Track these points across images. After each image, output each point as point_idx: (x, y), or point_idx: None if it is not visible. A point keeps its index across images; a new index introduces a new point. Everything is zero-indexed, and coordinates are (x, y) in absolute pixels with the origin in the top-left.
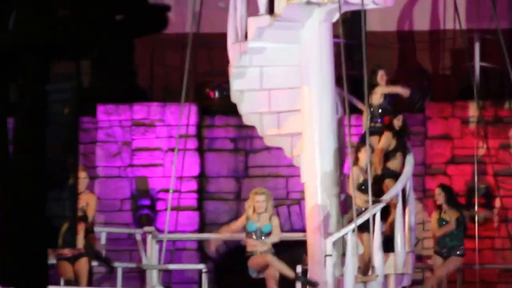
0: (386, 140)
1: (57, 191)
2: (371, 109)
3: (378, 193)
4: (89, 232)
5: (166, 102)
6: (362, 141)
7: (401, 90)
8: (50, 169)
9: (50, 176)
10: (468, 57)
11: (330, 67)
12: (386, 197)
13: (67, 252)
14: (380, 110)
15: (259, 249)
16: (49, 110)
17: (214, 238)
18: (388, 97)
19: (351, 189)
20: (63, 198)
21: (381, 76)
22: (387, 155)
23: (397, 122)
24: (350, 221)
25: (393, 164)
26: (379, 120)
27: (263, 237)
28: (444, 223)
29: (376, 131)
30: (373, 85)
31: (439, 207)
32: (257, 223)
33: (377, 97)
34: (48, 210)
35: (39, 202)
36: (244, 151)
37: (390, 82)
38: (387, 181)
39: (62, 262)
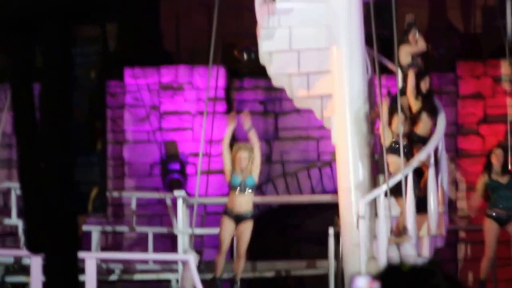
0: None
1: (85, 156)
2: (402, 70)
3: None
4: None
5: (193, 64)
6: (393, 103)
7: (422, 45)
8: (77, 135)
9: (77, 141)
10: (500, 15)
11: (359, 26)
12: (417, 158)
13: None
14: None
15: (237, 210)
16: (76, 75)
17: None
18: (416, 56)
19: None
20: (91, 163)
21: (413, 35)
22: (413, 119)
23: (424, 85)
24: (383, 182)
25: (420, 129)
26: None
27: (247, 190)
28: (497, 185)
29: (405, 93)
30: (402, 42)
31: (487, 169)
32: (240, 176)
33: (403, 57)
34: (77, 176)
35: (67, 168)
36: (273, 114)
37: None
38: (415, 146)
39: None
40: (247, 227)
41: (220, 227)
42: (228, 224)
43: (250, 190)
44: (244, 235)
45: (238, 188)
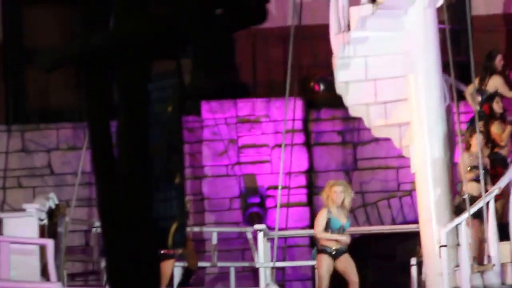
0: (497, 127)
1: (163, 191)
2: (482, 94)
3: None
4: None
5: (270, 97)
6: (471, 126)
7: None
8: (155, 170)
9: (155, 176)
10: None
11: (436, 53)
12: (499, 184)
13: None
14: (482, 97)
15: (336, 248)
16: (152, 110)
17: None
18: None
19: (463, 175)
20: (170, 198)
21: (499, 60)
22: (494, 141)
23: (497, 105)
24: (457, 207)
25: (502, 149)
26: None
27: (346, 231)
28: None
29: (481, 117)
30: (490, 69)
31: None
32: (340, 219)
33: (491, 86)
34: (156, 211)
35: (146, 204)
36: (352, 144)
37: (505, 66)
38: (498, 167)
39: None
40: (348, 258)
41: (319, 265)
42: (327, 261)
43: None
44: (349, 264)
45: (337, 231)
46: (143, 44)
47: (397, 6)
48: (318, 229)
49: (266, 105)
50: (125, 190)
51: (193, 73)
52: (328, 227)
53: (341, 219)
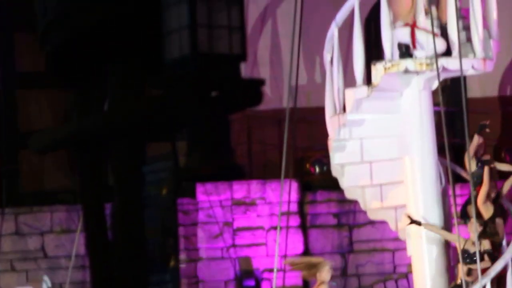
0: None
1: (158, 274)
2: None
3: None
4: None
5: (265, 179)
6: (462, 213)
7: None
8: (150, 253)
9: (150, 259)
10: None
11: (431, 136)
12: (496, 267)
13: None
14: (475, 179)
15: None
16: (146, 192)
17: None
18: (481, 163)
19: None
20: (164, 281)
21: (477, 138)
22: (485, 224)
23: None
24: None
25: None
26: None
27: None
28: None
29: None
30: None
31: None
32: None
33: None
34: None
35: (141, 287)
36: (347, 226)
37: (493, 148)
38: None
39: None
40: None
41: None
42: None
43: None
44: None
45: None
46: (138, 126)
47: (393, 89)
48: None
49: (261, 187)
50: (120, 272)
51: (188, 155)
52: None
53: None
